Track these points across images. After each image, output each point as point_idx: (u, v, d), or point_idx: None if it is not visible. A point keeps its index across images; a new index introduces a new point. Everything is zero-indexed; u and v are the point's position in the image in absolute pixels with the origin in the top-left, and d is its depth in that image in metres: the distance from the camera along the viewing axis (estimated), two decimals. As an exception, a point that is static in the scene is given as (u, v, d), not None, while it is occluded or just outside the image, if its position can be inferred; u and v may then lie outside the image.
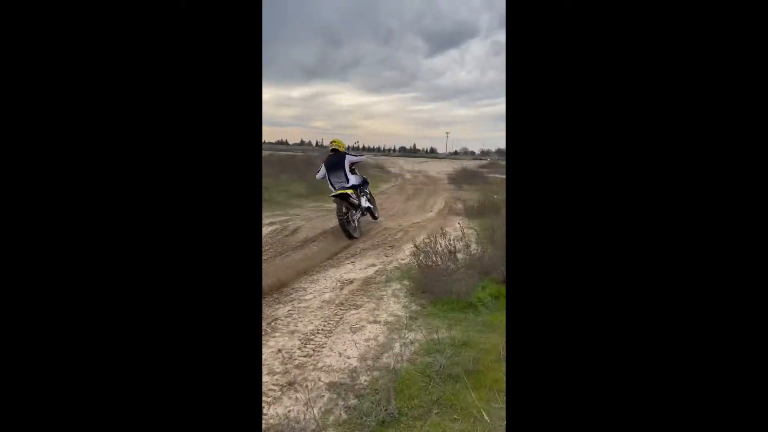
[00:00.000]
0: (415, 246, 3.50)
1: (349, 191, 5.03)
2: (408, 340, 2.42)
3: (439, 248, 3.32)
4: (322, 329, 2.54)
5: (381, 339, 2.43)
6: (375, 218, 6.02)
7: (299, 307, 2.90)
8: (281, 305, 2.95)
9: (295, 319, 2.68)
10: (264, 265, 4.07)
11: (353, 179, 5.23)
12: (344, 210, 5.03)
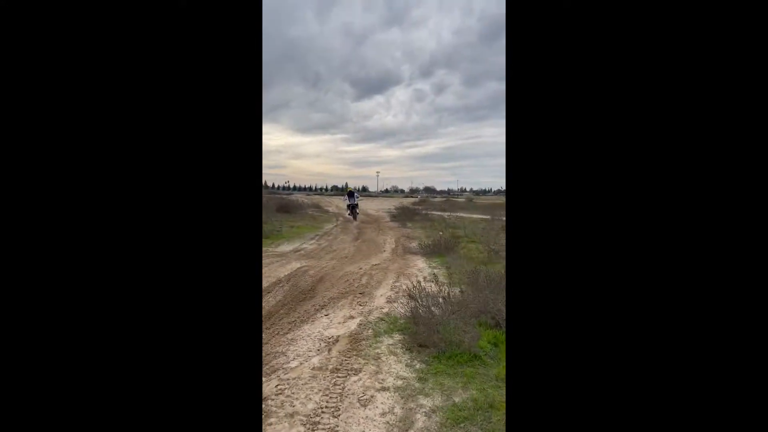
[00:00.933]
0: (410, 294, 3.27)
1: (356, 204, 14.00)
2: (428, 408, 2.13)
3: (432, 295, 3.15)
4: (326, 406, 2.12)
5: (398, 411, 2.10)
6: (354, 218, 13.68)
7: (287, 378, 2.42)
8: (264, 377, 2.44)
9: (289, 396, 2.21)
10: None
11: (355, 200, 13.89)
12: (350, 209, 14.03)
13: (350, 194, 14.23)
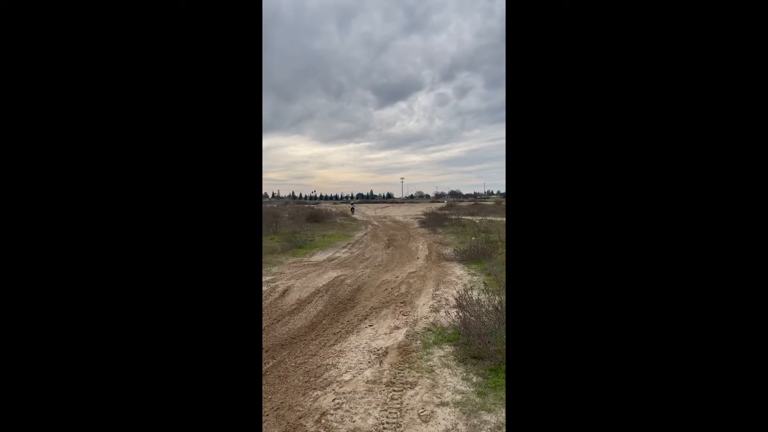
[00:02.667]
0: (458, 303, 3.18)
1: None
2: (492, 425, 2.03)
3: (481, 303, 3.05)
4: (387, 422, 2.07)
5: (462, 428, 2.02)
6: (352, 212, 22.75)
7: (343, 392, 2.40)
8: (319, 390, 2.42)
9: (348, 411, 2.18)
10: (268, 335, 3.49)
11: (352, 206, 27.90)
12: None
13: (352, 206, 22.91)
